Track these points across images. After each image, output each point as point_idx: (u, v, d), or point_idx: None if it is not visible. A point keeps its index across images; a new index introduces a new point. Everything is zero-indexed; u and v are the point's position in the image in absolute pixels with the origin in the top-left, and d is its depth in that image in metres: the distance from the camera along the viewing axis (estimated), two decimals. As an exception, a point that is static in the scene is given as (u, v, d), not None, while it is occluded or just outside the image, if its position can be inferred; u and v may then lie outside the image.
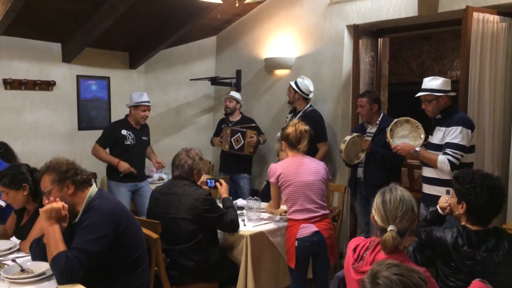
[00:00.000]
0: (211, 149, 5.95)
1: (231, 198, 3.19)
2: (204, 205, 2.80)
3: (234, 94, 4.96)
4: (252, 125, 4.83)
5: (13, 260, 2.26)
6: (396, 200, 1.88)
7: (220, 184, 3.21)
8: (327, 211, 2.98)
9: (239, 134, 4.65)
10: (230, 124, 4.85)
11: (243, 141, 4.67)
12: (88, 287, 2.00)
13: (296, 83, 4.30)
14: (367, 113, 3.76)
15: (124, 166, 4.14)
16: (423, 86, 3.13)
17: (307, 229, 2.85)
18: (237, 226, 2.99)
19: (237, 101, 4.88)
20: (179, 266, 2.84)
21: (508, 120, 3.53)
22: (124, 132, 4.19)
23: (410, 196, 1.93)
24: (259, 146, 4.95)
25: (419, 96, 3.15)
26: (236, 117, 4.89)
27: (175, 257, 2.83)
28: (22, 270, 2.15)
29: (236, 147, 4.68)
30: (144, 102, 4.22)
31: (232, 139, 4.69)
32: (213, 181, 3.24)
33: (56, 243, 2.06)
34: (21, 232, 2.62)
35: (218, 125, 5.06)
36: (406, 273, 1.42)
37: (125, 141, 4.18)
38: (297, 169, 2.93)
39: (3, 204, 2.64)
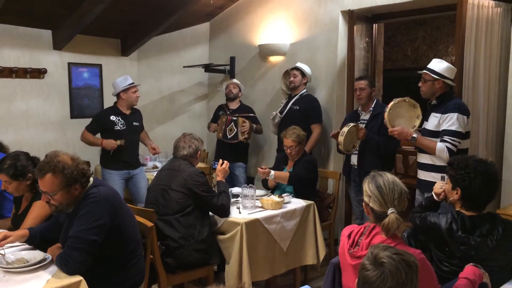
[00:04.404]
0: (205, 137, 5.92)
1: (225, 183, 3.17)
2: (195, 180, 2.91)
3: (237, 81, 4.91)
4: (250, 114, 4.76)
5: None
6: (390, 182, 1.87)
7: (221, 164, 3.25)
8: None
9: (232, 123, 4.63)
10: (228, 112, 4.78)
11: (236, 130, 4.61)
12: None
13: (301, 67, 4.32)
14: (367, 96, 3.73)
15: (109, 143, 4.06)
16: (429, 65, 3.11)
17: None
18: (227, 211, 2.99)
19: (240, 89, 4.85)
20: (170, 249, 2.84)
21: (503, 106, 3.52)
22: (113, 117, 4.14)
23: (396, 178, 1.94)
24: (256, 135, 4.91)
25: (420, 74, 3.14)
26: (235, 105, 4.82)
27: (163, 228, 2.86)
28: (17, 260, 2.13)
29: (229, 137, 4.63)
30: (132, 84, 4.20)
31: (226, 128, 4.65)
32: (216, 163, 3.32)
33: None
34: (17, 221, 2.61)
35: (216, 111, 4.98)
36: (403, 252, 1.46)
37: (115, 126, 4.13)
38: None
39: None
